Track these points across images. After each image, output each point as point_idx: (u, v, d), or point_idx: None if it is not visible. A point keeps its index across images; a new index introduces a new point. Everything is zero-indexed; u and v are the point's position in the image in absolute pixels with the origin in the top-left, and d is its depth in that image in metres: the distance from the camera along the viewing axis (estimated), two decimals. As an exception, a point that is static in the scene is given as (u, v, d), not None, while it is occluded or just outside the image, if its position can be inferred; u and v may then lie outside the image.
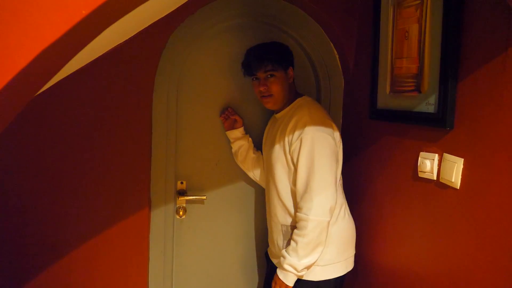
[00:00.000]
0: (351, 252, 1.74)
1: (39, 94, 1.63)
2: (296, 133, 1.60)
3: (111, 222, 1.92)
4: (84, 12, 0.63)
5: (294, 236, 1.56)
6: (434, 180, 1.37)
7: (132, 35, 1.80)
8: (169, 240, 2.04)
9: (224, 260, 2.17)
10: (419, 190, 1.45)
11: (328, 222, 1.54)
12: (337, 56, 2.08)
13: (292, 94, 1.79)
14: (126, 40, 1.80)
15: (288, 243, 1.64)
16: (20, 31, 0.64)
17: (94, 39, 0.99)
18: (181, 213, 2.07)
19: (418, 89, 1.45)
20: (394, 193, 1.62)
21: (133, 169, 1.92)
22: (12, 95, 0.69)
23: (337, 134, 1.68)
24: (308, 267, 1.57)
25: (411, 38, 1.49)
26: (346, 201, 1.75)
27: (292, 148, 1.61)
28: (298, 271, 1.55)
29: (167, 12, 1.82)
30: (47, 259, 1.88)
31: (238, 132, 1.98)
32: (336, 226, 1.64)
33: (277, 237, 1.73)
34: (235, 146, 2.00)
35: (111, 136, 1.88)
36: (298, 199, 1.59)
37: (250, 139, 2.02)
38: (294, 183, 1.63)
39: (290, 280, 1.58)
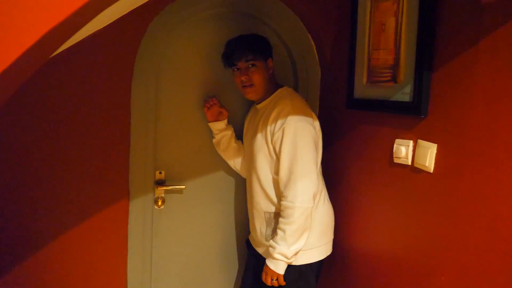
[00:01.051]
0: (330, 237, 1.81)
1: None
2: (279, 123, 1.64)
3: (89, 213, 1.89)
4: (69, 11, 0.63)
5: (281, 225, 1.61)
6: (409, 165, 1.45)
7: (111, 21, 1.77)
8: (148, 230, 2.04)
9: (203, 249, 2.19)
10: (395, 175, 1.53)
11: (312, 208, 1.60)
12: (314, 47, 2.13)
13: (273, 85, 1.83)
14: (104, 27, 1.77)
15: (273, 231, 1.68)
16: (7, 26, 0.63)
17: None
18: (159, 203, 2.07)
19: (394, 79, 1.53)
20: (370, 178, 1.69)
21: (111, 159, 1.90)
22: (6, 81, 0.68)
23: (317, 124, 1.74)
24: (296, 253, 1.63)
25: (388, 30, 1.56)
26: (325, 188, 1.81)
27: (275, 137, 1.65)
28: (288, 258, 1.61)
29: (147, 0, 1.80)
30: (24, 252, 1.83)
31: (222, 124, 1.99)
32: (317, 211, 1.70)
33: (260, 225, 1.77)
34: (217, 136, 2.01)
35: (88, 125, 1.85)
36: (282, 187, 1.64)
37: (232, 128, 2.04)
38: (276, 172, 1.67)
39: (281, 269, 1.63)
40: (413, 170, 1.43)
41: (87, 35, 1.73)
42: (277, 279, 1.64)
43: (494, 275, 1.10)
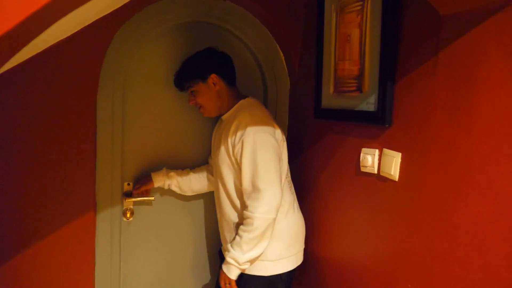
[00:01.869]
0: (301, 246, 1.81)
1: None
2: (238, 135, 1.63)
3: (54, 226, 1.83)
4: (35, 7, 0.61)
5: (239, 231, 1.61)
6: (375, 173, 1.47)
7: (75, 31, 1.73)
8: (116, 243, 1.99)
9: (174, 261, 2.15)
10: (361, 183, 1.55)
11: (274, 220, 1.59)
12: (283, 58, 2.15)
13: (232, 98, 1.80)
14: (68, 36, 1.72)
15: None
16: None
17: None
18: (128, 215, 2.02)
19: (359, 89, 1.55)
20: (339, 187, 1.71)
21: (77, 170, 1.85)
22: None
23: (279, 133, 1.72)
24: (251, 261, 1.62)
25: (352, 41, 1.59)
26: (295, 197, 1.81)
27: (236, 150, 1.64)
28: (240, 265, 1.60)
29: (113, 9, 1.77)
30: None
31: (160, 179, 1.97)
32: (286, 221, 1.70)
33: (229, 235, 1.75)
34: (172, 187, 2.00)
35: (53, 136, 1.80)
36: (245, 198, 1.63)
37: (172, 172, 1.99)
38: (240, 183, 1.67)
39: (232, 274, 1.62)
40: (379, 178, 1.45)
41: (50, 44, 1.68)
42: (230, 284, 1.64)
43: (457, 283, 1.12)
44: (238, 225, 1.71)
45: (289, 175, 1.81)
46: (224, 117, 1.83)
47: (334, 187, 1.74)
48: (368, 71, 1.50)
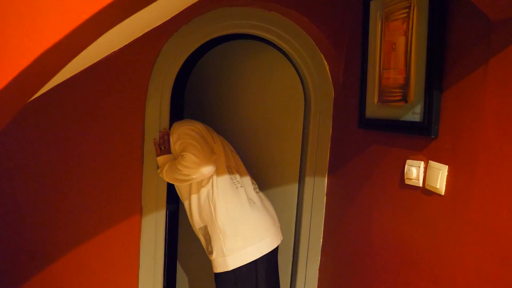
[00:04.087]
0: (259, 237, 1.91)
1: (35, 99, 1.65)
2: None
3: (102, 229, 1.92)
4: (85, 16, 0.66)
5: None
6: (420, 187, 1.40)
7: (126, 43, 1.83)
8: (160, 246, 2.04)
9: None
10: (406, 196, 1.49)
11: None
12: (327, 67, 2.13)
13: None
14: (120, 49, 1.82)
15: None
16: (21, 32, 0.66)
17: (90, 45, 1.02)
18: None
19: (404, 99, 1.50)
20: (382, 200, 1.65)
21: (125, 176, 1.94)
22: (11, 96, 0.71)
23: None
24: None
25: (398, 50, 1.54)
26: (245, 194, 1.94)
27: None
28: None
29: (161, 22, 1.86)
30: (37, 265, 1.87)
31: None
32: (234, 217, 1.88)
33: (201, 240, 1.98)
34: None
35: (104, 143, 1.89)
36: None
37: None
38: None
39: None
40: (424, 192, 1.39)
41: (102, 57, 1.78)
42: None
43: (507, 305, 1.04)
44: (201, 229, 1.91)
45: (236, 174, 1.94)
46: None
47: (377, 199, 1.69)
48: (413, 80, 1.45)
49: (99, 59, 1.79)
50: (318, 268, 2.23)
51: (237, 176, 1.97)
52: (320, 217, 2.19)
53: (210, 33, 1.99)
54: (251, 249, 1.87)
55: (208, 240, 1.89)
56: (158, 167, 1.96)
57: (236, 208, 1.90)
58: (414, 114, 1.44)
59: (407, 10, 1.47)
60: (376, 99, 1.69)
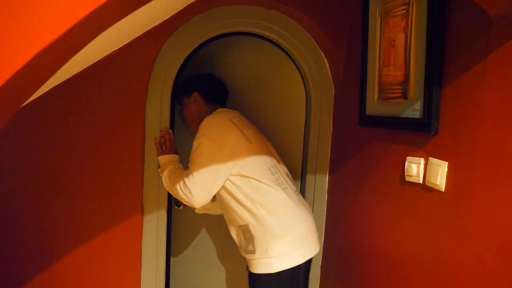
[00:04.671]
0: (306, 241, 1.80)
1: (35, 100, 1.66)
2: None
3: (103, 228, 1.93)
4: (80, 15, 0.66)
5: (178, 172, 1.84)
6: (420, 183, 1.40)
7: (126, 43, 1.83)
8: (161, 245, 2.05)
9: (216, 264, 2.18)
10: (406, 193, 1.49)
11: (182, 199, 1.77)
12: (327, 64, 2.13)
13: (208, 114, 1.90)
14: (119, 48, 1.83)
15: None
16: (17, 32, 0.67)
17: (87, 45, 1.02)
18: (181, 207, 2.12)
19: (404, 95, 1.50)
20: (383, 197, 1.65)
21: (126, 174, 1.94)
22: (7, 97, 0.71)
23: (231, 139, 1.78)
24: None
25: (397, 46, 1.54)
26: (293, 194, 1.82)
27: None
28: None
29: (161, 21, 1.86)
30: (40, 266, 1.88)
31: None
32: (284, 219, 1.76)
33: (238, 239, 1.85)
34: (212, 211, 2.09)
35: (104, 143, 1.90)
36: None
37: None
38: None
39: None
40: (425, 188, 1.38)
41: (102, 56, 1.79)
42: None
43: (508, 301, 1.04)
44: (241, 227, 1.77)
45: (281, 173, 1.83)
46: None
47: (378, 196, 1.69)
48: (413, 77, 1.44)
49: (99, 59, 1.80)
50: (320, 265, 2.23)
51: (281, 177, 1.85)
52: (322, 213, 2.19)
53: (210, 32, 2.00)
54: (297, 253, 1.77)
55: (249, 239, 1.77)
56: (159, 166, 1.96)
57: (286, 210, 1.78)
58: (414, 110, 1.44)
59: (406, 6, 1.47)
60: (376, 96, 1.69)
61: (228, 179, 1.74)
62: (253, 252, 1.76)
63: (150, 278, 2.04)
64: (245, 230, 1.77)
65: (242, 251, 1.83)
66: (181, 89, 2.00)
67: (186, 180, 1.72)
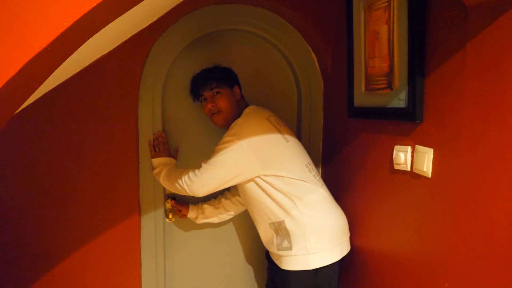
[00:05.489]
0: (342, 238, 1.79)
1: (29, 104, 1.68)
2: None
3: (102, 229, 1.95)
4: (67, 24, 0.69)
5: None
6: (408, 171, 1.44)
7: (115, 46, 1.85)
8: (160, 243, 2.08)
9: (218, 261, 2.22)
10: (396, 181, 1.52)
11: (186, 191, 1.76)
12: (315, 59, 2.16)
13: (241, 110, 1.86)
14: (109, 52, 1.85)
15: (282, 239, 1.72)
16: (6, 42, 0.69)
17: (77, 50, 1.05)
18: (170, 216, 2.11)
19: (390, 86, 1.53)
20: (374, 186, 1.69)
21: (122, 176, 1.97)
22: (1, 103, 0.74)
23: (263, 142, 1.71)
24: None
25: (381, 38, 1.57)
26: (328, 193, 1.81)
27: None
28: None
29: (149, 23, 1.88)
30: (39, 268, 1.90)
31: (194, 212, 2.07)
32: (321, 216, 1.73)
33: (269, 237, 1.81)
34: (208, 220, 2.10)
35: (99, 145, 1.92)
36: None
37: (205, 204, 2.12)
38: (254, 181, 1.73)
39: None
40: (413, 175, 1.42)
41: (93, 60, 1.81)
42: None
43: (493, 279, 1.08)
44: (273, 224, 1.74)
45: (317, 171, 1.82)
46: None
47: (370, 185, 1.72)
48: (397, 68, 1.48)
49: (89, 63, 1.82)
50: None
51: (317, 174, 1.84)
52: (316, 207, 2.22)
53: (198, 31, 2.02)
54: (335, 250, 1.74)
55: (284, 236, 1.72)
56: (153, 169, 1.99)
57: (325, 206, 1.77)
58: (400, 100, 1.47)
59: (388, -1, 1.50)
60: (363, 88, 1.73)
61: (259, 177, 1.70)
62: (289, 248, 1.71)
63: (150, 278, 2.07)
64: (278, 227, 1.73)
65: (273, 248, 1.77)
66: (222, 77, 1.88)
67: (203, 165, 1.72)
